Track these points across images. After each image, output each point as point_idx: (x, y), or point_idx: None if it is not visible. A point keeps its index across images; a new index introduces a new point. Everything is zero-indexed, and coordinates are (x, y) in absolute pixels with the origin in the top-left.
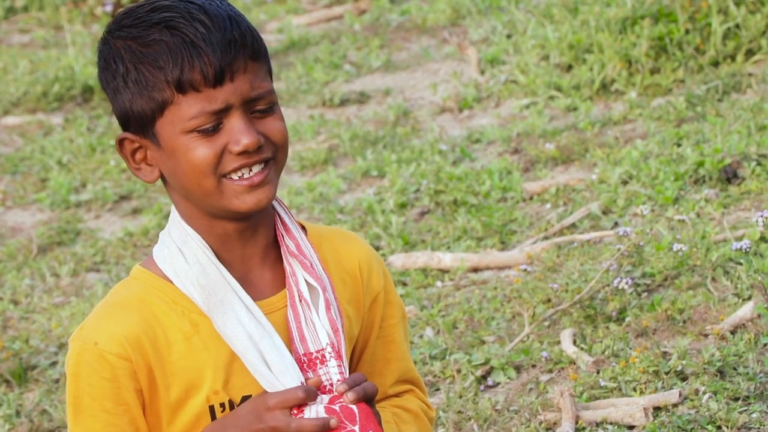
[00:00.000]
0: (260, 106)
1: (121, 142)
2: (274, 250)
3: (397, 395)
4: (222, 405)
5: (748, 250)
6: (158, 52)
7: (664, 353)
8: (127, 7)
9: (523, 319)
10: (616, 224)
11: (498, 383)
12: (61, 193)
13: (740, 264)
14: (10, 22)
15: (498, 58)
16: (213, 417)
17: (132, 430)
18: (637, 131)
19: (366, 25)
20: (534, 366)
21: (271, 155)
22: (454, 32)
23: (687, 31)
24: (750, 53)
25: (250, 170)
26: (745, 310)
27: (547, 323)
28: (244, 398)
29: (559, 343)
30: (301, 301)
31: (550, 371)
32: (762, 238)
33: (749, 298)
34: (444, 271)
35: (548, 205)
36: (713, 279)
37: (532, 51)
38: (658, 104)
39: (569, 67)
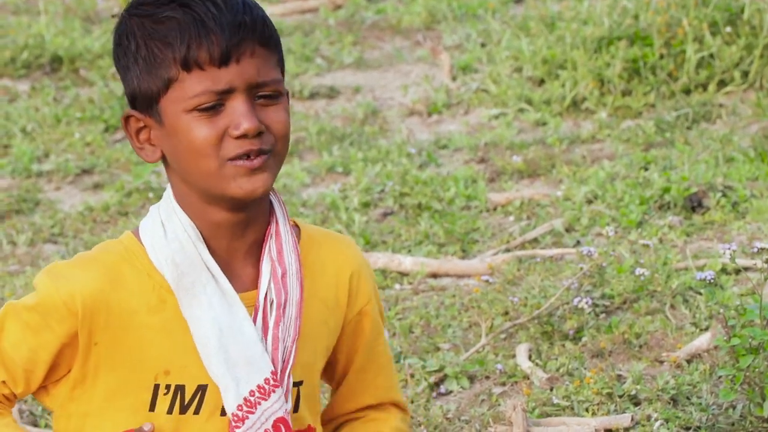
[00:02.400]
0: (265, 93)
1: (126, 120)
2: (260, 248)
3: (375, 407)
4: (168, 387)
5: (712, 280)
6: (168, 29)
7: (619, 376)
8: None
9: (480, 330)
10: (578, 243)
11: (451, 391)
12: (23, 161)
13: (700, 294)
14: None
15: (470, 66)
16: (155, 398)
17: (23, 377)
18: (604, 151)
19: (340, 21)
20: (488, 377)
21: (269, 147)
22: (428, 36)
23: (661, 56)
24: (722, 84)
25: (250, 157)
26: (702, 341)
27: (503, 336)
28: (200, 387)
29: (514, 356)
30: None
31: (504, 384)
32: (723, 270)
33: (707, 329)
34: (403, 274)
35: (511, 218)
36: (672, 306)
37: (505, 62)
38: (627, 126)
39: (541, 82)
